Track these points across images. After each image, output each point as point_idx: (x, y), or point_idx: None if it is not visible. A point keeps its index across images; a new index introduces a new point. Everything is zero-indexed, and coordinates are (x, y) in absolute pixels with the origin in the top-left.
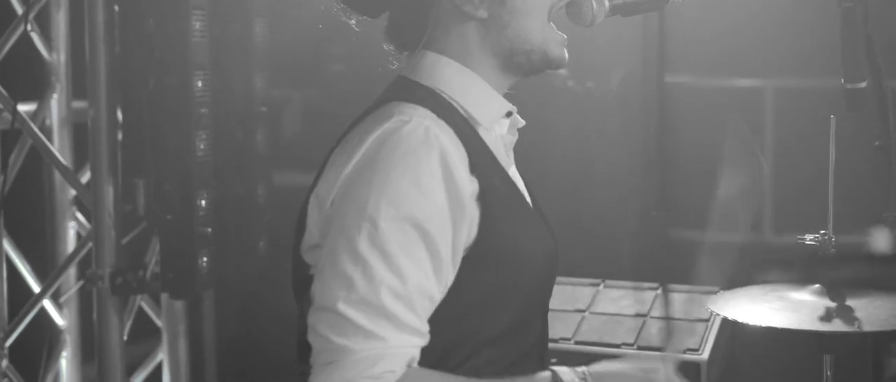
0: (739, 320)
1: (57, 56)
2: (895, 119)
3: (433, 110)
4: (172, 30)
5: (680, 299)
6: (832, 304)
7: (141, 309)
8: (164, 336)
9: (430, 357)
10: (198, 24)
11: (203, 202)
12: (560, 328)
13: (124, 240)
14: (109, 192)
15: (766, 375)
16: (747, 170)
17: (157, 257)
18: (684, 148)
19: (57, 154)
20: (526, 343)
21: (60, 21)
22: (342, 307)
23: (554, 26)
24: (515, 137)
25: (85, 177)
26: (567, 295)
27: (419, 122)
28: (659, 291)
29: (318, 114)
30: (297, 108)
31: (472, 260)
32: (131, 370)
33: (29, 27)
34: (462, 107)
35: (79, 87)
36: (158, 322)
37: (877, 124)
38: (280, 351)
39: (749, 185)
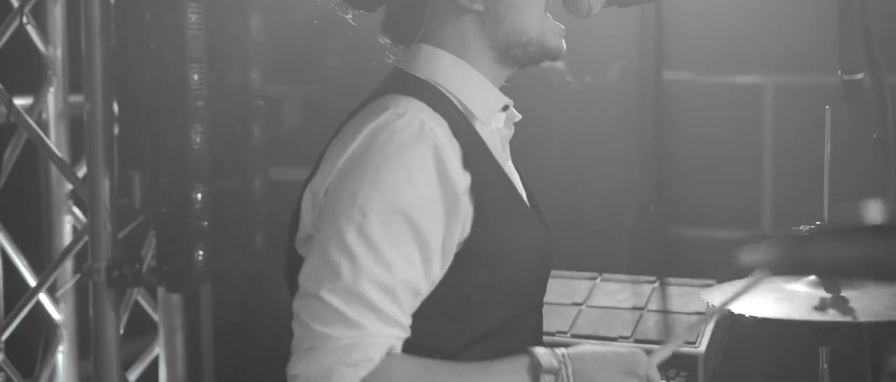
0: (735, 312)
1: (53, 50)
2: (893, 112)
3: (429, 103)
4: (168, 23)
5: (677, 292)
6: (828, 295)
7: (138, 304)
8: (161, 331)
9: (423, 351)
10: (194, 17)
11: (199, 195)
12: (557, 321)
13: (121, 234)
14: (105, 186)
15: (763, 368)
16: None
17: (154, 251)
18: (683, 143)
19: (53, 147)
20: (521, 338)
21: (57, 14)
22: (326, 294)
23: (551, 17)
24: (512, 131)
25: (81, 171)
26: (564, 289)
27: (414, 115)
28: (656, 285)
29: (316, 108)
30: (295, 103)
31: (466, 255)
32: (128, 364)
33: (25, 20)
34: (458, 101)
35: (75, 81)
36: (155, 317)
37: (875, 118)
38: (277, 345)
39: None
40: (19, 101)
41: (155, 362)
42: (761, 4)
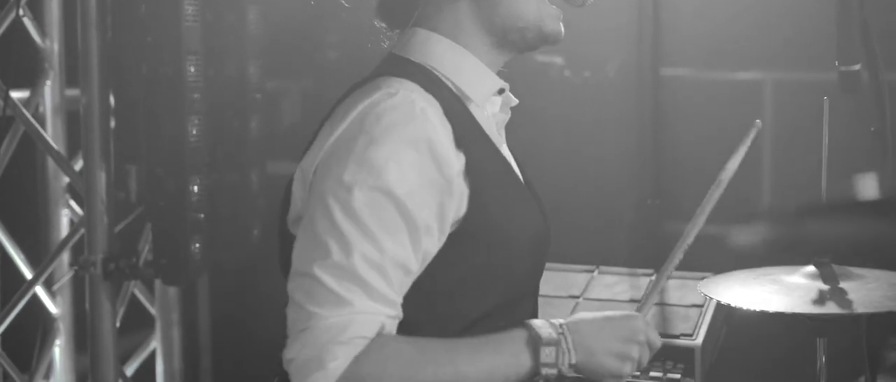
0: (732, 304)
1: (50, 43)
2: (891, 104)
3: (421, 85)
4: (165, 15)
5: (674, 285)
6: (825, 287)
7: (135, 299)
8: (158, 324)
9: (418, 334)
10: (190, 9)
11: (196, 188)
12: (554, 314)
13: (117, 228)
14: (102, 178)
15: (760, 360)
16: None
17: (150, 244)
18: (682, 139)
19: (50, 141)
20: (516, 323)
21: (53, 7)
22: (317, 271)
23: (548, 1)
24: (508, 116)
25: (78, 165)
26: (561, 281)
27: (405, 96)
28: (653, 277)
29: (314, 103)
30: (294, 99)
31: (462, 235)
32: (125, 358)
33: (21, 12)
34: (453, 84)
35: (72, 75)
36: (152, 310)
37: (873, 110)
38: (275, 338)
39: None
40: (16, 94)
41: (152, 355)
42: (760, 0)
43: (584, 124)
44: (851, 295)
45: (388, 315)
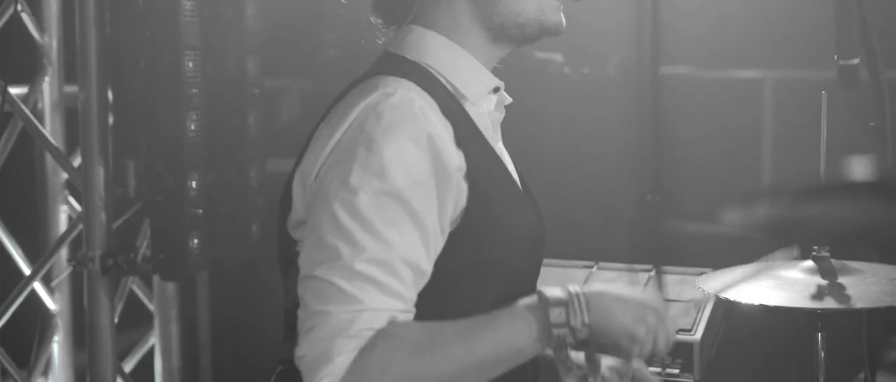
0: (731, 298)
1: (48, 39)
2: (890, 100)
3: (418, 83)
4: (163, 10)
5: (673, 280)
6: (824, 282)
7: (134, 297)
8: (156, 320)
9: None
10: (188, 4)
11: (194, 184)
12: None
13: (116, 224)
14: (100, 174)
15: (760, 356)
16: None
17: (149, 240)
18: (682, 137)
19: (48, 136)
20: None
21: (52, 3)
22: (324, 272)
23: None
24: (502, 114)
25: (76, 161)
26: (560, 277)
27: (404, 95)
28: (652, 273)
29: (313, 101)
30: (293, 97)
31: (460, 234)
32: (124, 355)
33: (19, 7)
34: (449, 82)
35: (71, 72)
36: (151, 307)
37: (872, 106)
38: (274, 335)
39: None
40: (14, 90)
41: (150, 352)
42: None
43: (583, 121)
44: (850, 290)
45: (398, 309)
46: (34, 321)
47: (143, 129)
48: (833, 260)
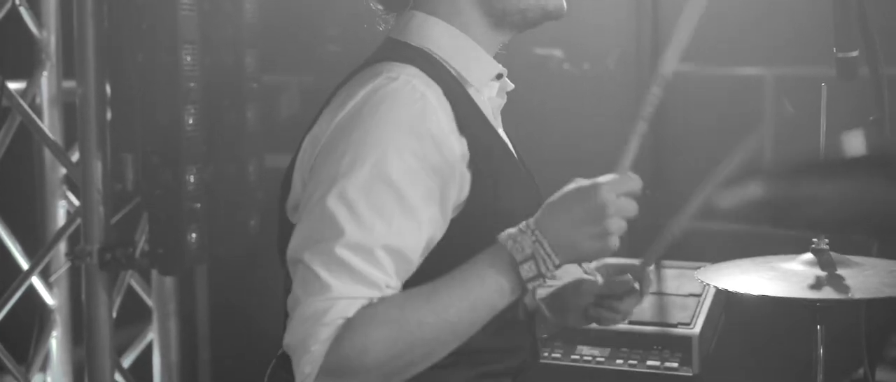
0: (730, 289)
1: (47, 33)
2: (890, 93)
3: (422, 68)
4: (161, 3)
5: (672, 274)
6: (823, 273)
7: (133, 293)
8: (155, 315)
9: None
10: None
11: (192, 177)
12: None
13: (114, 219)
14: (98, 168)
15: (759, 350)
16: None
17: (147, 235)
18: (682, 132)
19: (47, 131)
20: (515, 307)
21: None
22: (307, 257)
23: None
24: (504, 100)
25: (75, 156)
26: (559, 271)
27: (407, 80)
28: (651, 267)
29: (313, 96)
30: (290, 89)
31: (463, 220)
32: (122, 351)
33: (18, 2)
34: (452, 68)
35: (69, 67)
36: (149, 302)
37: (872, 101)
38: (273, 329)
39: None
40: (13, 85)
41: (149, 347)
42: None
43: (583, 116)
44: (849, 282)
45: (371, 296)
46: (33, 316)
47: (141, 123)
48: (832, 254)
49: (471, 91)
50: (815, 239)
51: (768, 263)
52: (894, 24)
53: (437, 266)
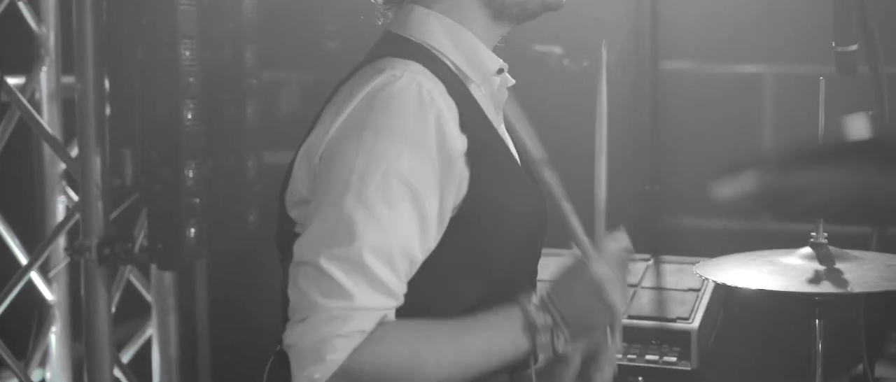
0: (729, 283)
1: (46, 29)
2: (889, 88)
3: (424, 65)
4: None
5: (671, 269)
6: (822, 267)
7: (132, 289)
8: (154, 311)
9: (416, 317)
10: None
11: (191, 172)
12: None
13: (113, 214)
14: (97, 163)
15: (757, 345)
16: None
17: (146, 230)
18: (681, 128)
19: (46, 126)
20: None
21: None
22: (322, 262)
23: None
24: (505, 96)
25: (74, 152)
26: (558, 267)
27: (412, 78)
28: (650, 262)
29: (313, 93)
30: (292, 90)
31: (462, 219)
32: (121, 346)
33: None
34: (452, 63)
35: (68, 63)
36: (148, 298)
37: (871, 95)
38: (272, 325)
39: None
40: (12, 81)
41: (148, 343)
42: None
43: (582, 113)
44: (847, 276)
45: (389, 306)
46: (32, 311)
47: (140, 118)
48: (831, 248)
49: (471, 87)
50: (813, 234)
51: (767, 257)
52: (894, 22)
53: (432, 265)
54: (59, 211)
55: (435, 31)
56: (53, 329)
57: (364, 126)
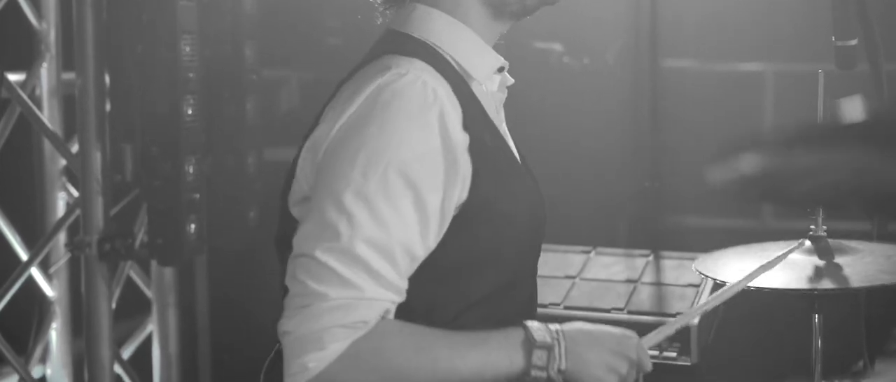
0: (728, 282)
1: (46, 25)
2: (889, 82)
3: (429, 63)
4: None
5: (671, 265)
6: (821, 263)
7: (133, 286)
8: (154, 307)
9: (417, 316)
10: None
11: (191, 168)
12: (550, 293)
13: (113, 210)
14: (97, 158)
15: (757, 341)
16: None
17: (146, 226)
18: (681, 125)
19: (46, 122)
20: (515, 305)
21: None
22: (321, 254)
23: None
24: (505, 95)
25: (74, 148)
26: (558, 262)
27: (416, 75)
28: (650, 258)
29: (312, 90)
30: (292, 88)
31: (464, 218)
32: (122, 342)
33: None
34: (455, 61)
35: (69, 59)
36: (149, 294)
37: (870, 91)
38: (272, 321)
39: None
40: (12, 77)
41: (148, 339)
42: None
43: (583, 110)
44: (847, 270)
45: (392, 300)
46: (32, 307)
47: (140, 114)
48: (830, 241)
49: (473, 85)
50: (812, 227)
51: (766, 252)
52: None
53: (434, 262)
54: (60, 207)
55: (437, 28)
56: (54, 325)
57: (367, 122)
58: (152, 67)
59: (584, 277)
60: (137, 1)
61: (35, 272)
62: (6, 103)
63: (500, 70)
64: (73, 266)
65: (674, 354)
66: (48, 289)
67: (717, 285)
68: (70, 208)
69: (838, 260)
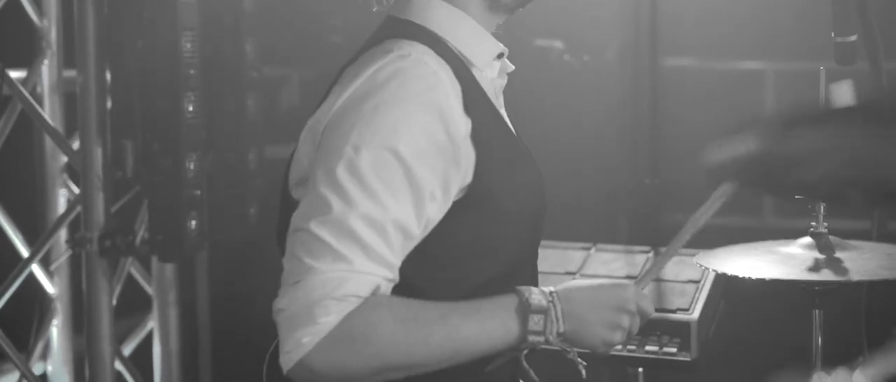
0: (729, 273)
1: (47, 22)
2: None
3: (430, 47)
4: None
5: (671, 261)
6: (821, 256)
7: (133, 280)
8: (155, 304)
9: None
10: None
11: (192, 164)
12: None
13: (114, 207)
14: (98, 155)
15: (758, 337)
16: None
17: (147, 223)
18: (681, 123)
19: (48, 119)
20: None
21: None
22: (314, 227)
23: None
24: (505, 81)
25: (75, 145)
26: (558, 259)
27: (418, 58)
28: (650, 254)
29: (313, 89)
30: (293, 86)
31: (467, 203)
32: (123, 339)
33: None
34: (455, 48)
35: (70, 57)
36: (149, 291)
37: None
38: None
39: None
40: (13, 74)
41: (149, 336)
42: None
43: (583, 108)
44: (847, 264)
45: (384, 276)
46: (33, 304)
47: (141, 110)
48: (831, 237)
49: (474, 71)
50: (813, 224)
51: (767, 247)
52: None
53: (436, 247)
54: (61, 204)
55: (437, 15)
56: (55, 321)
57: (366, 101)
58: (153, 64)
59: (584, 273)
60: None
61: (36, 269)
62: (7, 100)
63: (500, 56)
64: (74, 262)
65: (674, 349)
66: (49, 286)
67: (718, 279)
68: (71, 205)
69: (839, 254)
